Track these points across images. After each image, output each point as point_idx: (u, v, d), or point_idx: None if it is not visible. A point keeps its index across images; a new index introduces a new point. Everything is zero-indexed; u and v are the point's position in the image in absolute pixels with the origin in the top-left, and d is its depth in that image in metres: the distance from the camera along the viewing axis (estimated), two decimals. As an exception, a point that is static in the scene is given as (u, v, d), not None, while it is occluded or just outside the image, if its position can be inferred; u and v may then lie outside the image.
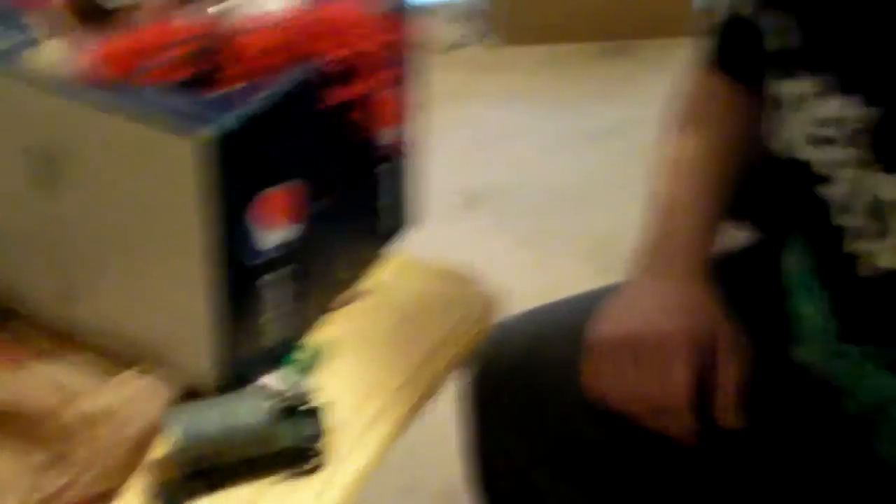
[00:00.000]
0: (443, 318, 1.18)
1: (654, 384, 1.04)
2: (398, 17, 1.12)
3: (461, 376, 1.25)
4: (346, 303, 1.20)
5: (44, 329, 1.15)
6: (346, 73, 1.05)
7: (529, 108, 3.27)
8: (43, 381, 1.08)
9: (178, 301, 1.03)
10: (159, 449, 1.03)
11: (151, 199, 1.00)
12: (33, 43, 1.05)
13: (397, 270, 1.27)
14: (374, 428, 1.08)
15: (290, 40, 1.04)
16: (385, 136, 1.15)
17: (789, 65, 1.02)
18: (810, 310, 1.09)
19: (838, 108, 0.95)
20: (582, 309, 1.14)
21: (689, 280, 1.10)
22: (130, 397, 1.04)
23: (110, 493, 1.00)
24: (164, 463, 1.02)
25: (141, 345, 1.09)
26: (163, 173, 0.97)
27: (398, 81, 1.14)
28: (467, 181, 2.90)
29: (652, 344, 1.05)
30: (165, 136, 0.95)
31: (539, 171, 2.97)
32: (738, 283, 1.18)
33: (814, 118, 0.98)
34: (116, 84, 1.01)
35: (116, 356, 1.11)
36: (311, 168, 1.08)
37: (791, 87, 1.01)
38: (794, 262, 1.13)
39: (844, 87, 0.95)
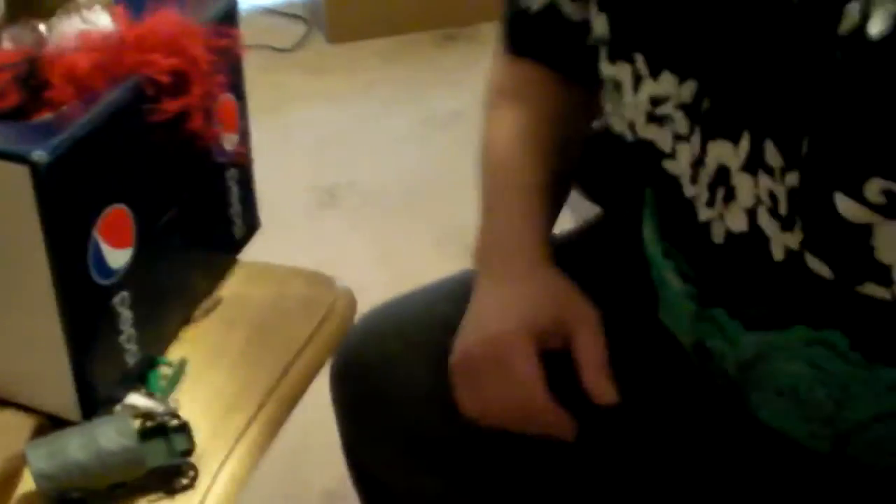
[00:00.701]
0: (303, 320, 1.18)
1: (506, 392, 1.04)
2: (228, 22, 1.11)
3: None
4: (206, 313, 1.19)
5: None
6: (178, 83, 1.04)
7: (373, 102, 3.27)
8: None
9: (32, 328, 1.01)
10: (27, 483, 1.00)
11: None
12: None
13: (254, 276, 1.26)
14: (244, 438, 1.07)
15: (119, 54, 1.03)
16: (226, 142, 1.14)
17: (607, 49, 1.04)
18: (672, 277, 1.11)
19: (665, 86, 0.97)
20: (431, 299, 1.15)
21: (529, 272, 1.09)
22: (-11, 435, 1.01)
23: (-21, 534, 0.98)
24: (33, 497, 0.99)
25: (-1, 376, 1.06)
26: None
27: (234, 87, 1.12)
28: (318, 180, 2.89)
29: (490, 353, 1.05)
30: None
31: (389, 165, 2.98)
32: (601, 256, 1.19)
33: (647, 97, 1.00)
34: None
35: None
36: (154, 182, 1.07)
37: (616, 70, 1.03)
38: (650, 233, 1.15)
39: (662, 66, 0.97)
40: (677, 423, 1.14)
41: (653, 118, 0.98)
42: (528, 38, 1.20)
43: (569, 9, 1.13)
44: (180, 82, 1.04)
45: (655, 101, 0.98)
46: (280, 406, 1.09)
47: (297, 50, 3.56)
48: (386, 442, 1.21)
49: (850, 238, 0.84)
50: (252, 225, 1.25)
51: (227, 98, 1.11)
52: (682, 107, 0.95)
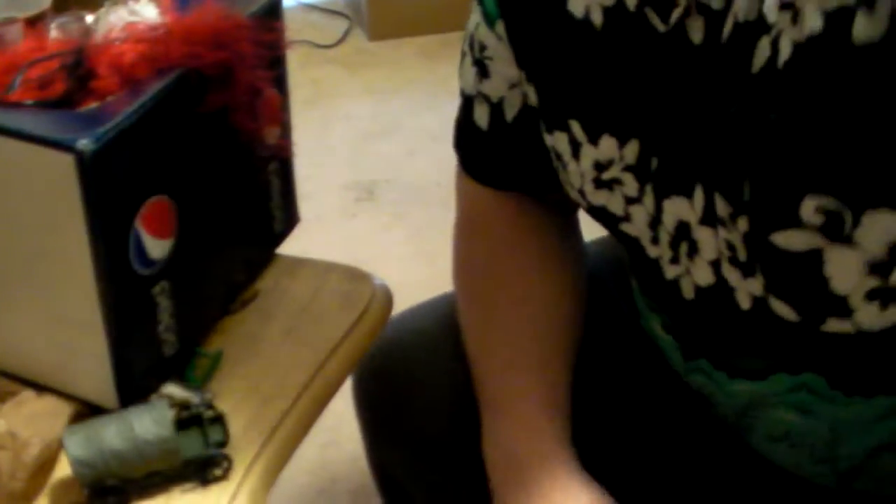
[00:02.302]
0: (339, 316, 1.18)
1: None
2: (272, 16, 1.11)
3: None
4: (243, 306, 1.19)
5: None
6: (224, 76, 1.04)
7: (413, 99, 3.27)
8: (-63, 408, 1.06)
9: (73, 316, 1.01)
10: (64, 468, 1.01)
11: (35, 214, 0.98)
12: None
13: (292, 270, 1.26)
14: (278, 431, 1.07)
15: (166, 46, 1.03)
16: (269, 136, 1.14)
17: (542, 120, 1.03)
18: (658, 330, 1.11)
19: (607, 150, 0.97)
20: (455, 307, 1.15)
21: (557, 489, 1.06)
22: (30, 417, 1.02)
23: (15, 517, 0.98)
24: (69, 483, 1.00)
25: (38, 364, 1.07)
26: (44, 188, 0.96)
27: (277, 81, 1.13)
28: (357, 176, 2.90)
29: None
30: (45, 151, 0.94)
31: (427, 162, 2.98)
32: (603, 300, 1.19)
33: (590, 164, 0.99)
34: (-9, 101, 0.99)
35: (13, 376, 1.09)
36: (197, 174, 1.07)
37: (555, 140, 1.02)
38: (635, 286, 1.15)
39: (600, 130, 0.97)
40: (688, 461, 1.15)
41: (600, 183, 0.98)
42: (490, 165, 1.16)
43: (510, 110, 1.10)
44: (225, 75, 1.04)
45: (600, 167, 0.97)
46: (314, 402, 1.09)
47: (339, 46, 3.57)
48: (406, 447, 1.22)
49: (804, 272, 0.85)
50: (292, 219, 1.26)
51: (271, 92, 1.11)
52: (629, 168, 0.94)
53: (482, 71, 1.09)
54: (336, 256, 1.29)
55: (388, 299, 1.20)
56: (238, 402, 1.07)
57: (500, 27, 1.03)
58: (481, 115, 1.11)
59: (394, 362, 1.22)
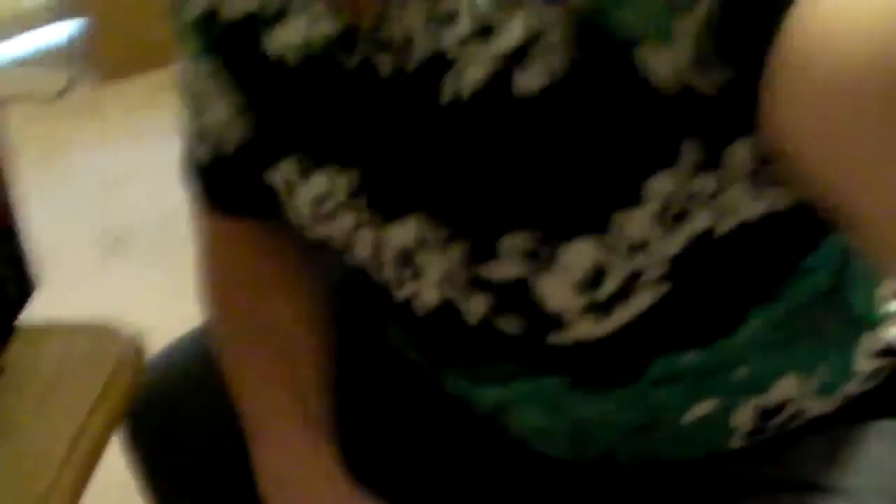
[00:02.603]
0: (92, 377, 1.14)
1: None
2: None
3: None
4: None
5: None
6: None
7: (146, 139, 3.22)
8: None
9: None
10: None
11: None
12: None
13: (37, 338, 1.22)
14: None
15: None
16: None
17: (262, 156, 1.05)
18: (402, 341, 1.13)
19: (323, 183, 0.99)
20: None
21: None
22: None
23: None
24: None
25: None
26: None
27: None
28: (104, 226, 2.84)
29: None
30: None
31: (173, 203, 2.93)
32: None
33: (308, 198, 1.01)
34: None
35: None
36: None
37: (275, 175, 1.04)
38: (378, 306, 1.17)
39: (317, 161, 0.99)
40: (455, 455, 1.17)
41: (320, 217, 1.00)
42: (219, 194, 1.17)
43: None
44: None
45: (317, 201, 1.00)
46: (79, 473, 1.05)
47: (64, 97, 3.48)
48: (188, 491, 1.21)
49: (518, 296, 0.91)
50: (28, 286, 1.21)
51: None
52: (345, 200, 0.97)
53: (199, 104, 1.08)
54: (91, 310, 1.25)
55: (138, 350, 1.17)
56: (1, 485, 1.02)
57: (212, 59, 1.03)
58: (204, 151, 1.10)
59: (161, 409, 1.20)
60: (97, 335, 1.20)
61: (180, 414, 1.22)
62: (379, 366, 1.20)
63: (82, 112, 3.39)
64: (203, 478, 1.22)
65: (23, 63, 3.59)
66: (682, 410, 1.00)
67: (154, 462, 1.26)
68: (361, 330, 1.22)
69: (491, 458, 1.16)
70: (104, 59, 3.55)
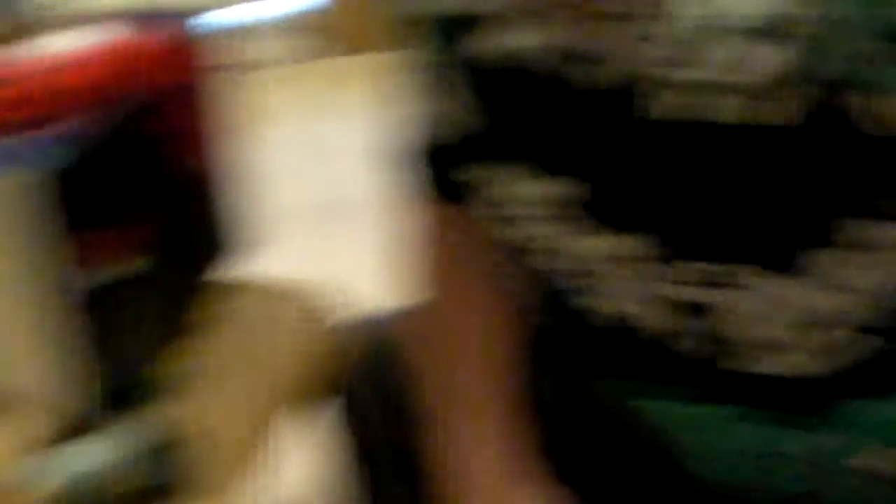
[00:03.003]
0: (295, 335, 1.19)
1: None
2: (198, 45, 1.12)
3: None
4: (201, 330, 1.20)
5: None
6: (156, 106, 1.05)
7: (368, 117, 3.25)
8: None
9: (26, 345, 1.02)
10: (25, 497, 1.03)
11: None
12: None
13: (245, 292, 1.25)
14: (239, 452, 1.07)
15: (95, 77, 1.03)
16: (206, 163, 1.15)
17: (484, 151, 1.06)
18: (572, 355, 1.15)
19: (537, 187, 1.00)
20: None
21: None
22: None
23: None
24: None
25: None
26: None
27: (211, 107, 1.13)
28: (312, 196, 2.88)
29: None
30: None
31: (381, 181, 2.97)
32: None
33: (520, 198, 1.02)
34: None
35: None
36: (139, 203, 1.07)
37: (490, 173, 1.05)
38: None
39: (535, 166, 1.00)
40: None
41: (529, 218, 1.01)
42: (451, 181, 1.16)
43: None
44: (158, 106, 1.05)
45: (531, 202, 1.00)
46: (274, 419, 1.09)
47: (304, 64, 3.54)
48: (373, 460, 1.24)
49: (702, 320, 0.90)
50: (244, 243, 1.26)
51: (198, 120, 1.12)
52: (560, 205, 0.98)
53: (429, 95, 1.11)
54: (298, 276, 1.29)
55: (350, 318, 1.20)
56: (200, 429, 1.07)
57: (448, 52, 1.06)
58: (439, 134, 1.13)
59: (361, 369, 1.24)
60: (305, 296, 1.23)
61: (371, 389, 1.25)
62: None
63: (322, 81, 3.45)
64: (386, 445, 1.26)
65: (272, 28, 3.68)
66: (852, 455, 0.99)
67: (354, 427, 1.30)
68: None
69: (656, 479, 1.17)
70: (350, 32, 3.60)
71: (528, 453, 1.08)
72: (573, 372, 1.13)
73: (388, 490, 1.24)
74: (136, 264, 1.05)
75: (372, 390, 1.22)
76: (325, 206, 2.80)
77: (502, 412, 1.08)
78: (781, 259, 0.85)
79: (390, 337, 1.24)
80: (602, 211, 0.95)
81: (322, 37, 3.51)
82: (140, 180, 1.06)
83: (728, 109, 0.82)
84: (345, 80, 3.36)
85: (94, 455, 1.00)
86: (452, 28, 0.99)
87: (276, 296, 1.24)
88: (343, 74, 3.38)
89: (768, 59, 0.81)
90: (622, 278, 0.94)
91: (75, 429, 1.05)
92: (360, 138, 3.15)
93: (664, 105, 0.84)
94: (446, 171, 1.12)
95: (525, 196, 1.00)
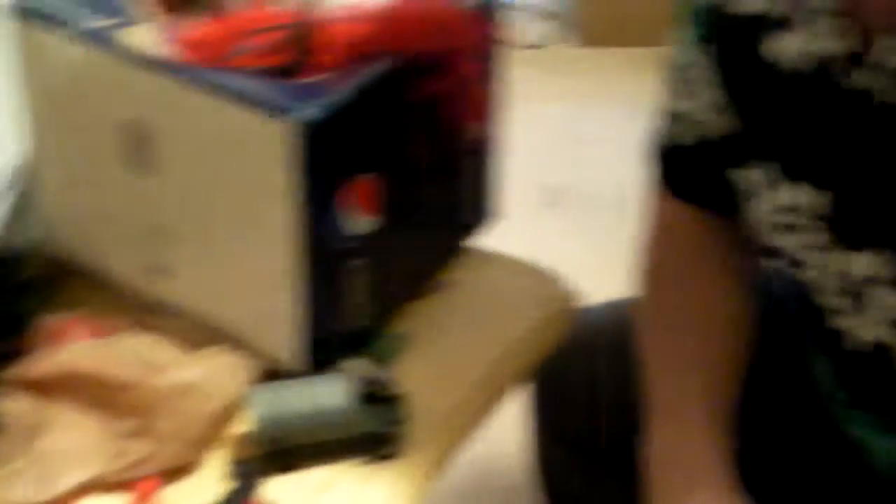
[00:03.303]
0: (526, 314, 1.18)
1: None
2: (488, 12, 1.13)
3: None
4: (433, 292, 1.20)
5: (131, 301, 1.17)
6: (435, 66, 1.06)
7: (609, 109, 3.26)
8: (129, 353, 1.10)
9: (265, 282, 1.05)
10: (238, 426, 1.04)
11: (240, 180, 1.01)
12: (126, 24, 1.06)
13: (479, 264, 1.27)
14: (451, 420, 1.08)
15: (382, 32, 1.05)
16: (471, 130, 1.16)
17: (736, 153, 1.02)
18: (823, 377, 1.10)
19: (792, 196, 0.96)
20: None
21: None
22: (214, 373, 1.05)
23: (189, 465, 1.02)
24: (242, 440, 1.03)
25: (225, 322, 1.10)
26: (253, 155, 0.99)
27: (486, 76, 1.15)
28: (546, 179, 2.89)
29: None
30: (258, 119, 0.96)
31: (617, 175, 2.96)
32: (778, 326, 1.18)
33: (772, 206, 0.98)
34: (209, 66, 1.02)
35: (201, 332, 1.12)
36: (397, 158, 1.09)
37: (743, 176, 1.01)
38: (805, 331, 1.14)
39: (791, 174, 0.96)
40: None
41: (779, 227, 0.97)
42: (688, 180, 1.16)
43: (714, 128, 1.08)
44: (440, 65, 1.06)
45: (782, 210, 0.96)
46: (490, 396, 1.09)
47: (546, 48, 3.56)
48: (568, 440, 1.27)
49: None
50: (487, 213, 1.27)
51: (481, 87, 1.13)
52: (816, 218, 0.93)
53: (686, 89, 1.09)
54: (516, 255, 1.29)
55: (575, 304, 1.20)
56: (418, 386, 1.08)
57: (708, 50, 1.03)
58: (681, 133, 1.11)
59: (564, 357, 1.23)
60: (538, 276, 1.24)
61: (582, 369, 1.25)
62: (785, 389, 1.18)
63: (557, 67, 3.46)
64: (591, 440, 1.24)
65: (513, 8, 3.70)
66: None
67: (543, 404, 1.30)
68: (778, 350, 1.20)
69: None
70: (588, 23, 3.61)
71: (725, 461, 1.05)
72: (802, 392, 1.09)
73: (601, 484, 1.23)
74: (387, 219, 1.08)
75: (582, 379, 1.21)
76: (559, 190, 2.80)
77: (708, 417, 1.05)
78: None
79: (607, 326, 1.23)
80: (852, 225, 0.90)
81: (567, 25, 3.51)
82: (412, 137, 1.09)
83: None
84: (585, 69, 3.36)
85: (300, 399, 1.00)
86: (729, 25, 0.96)
87: (514, 271, 1.26)
88: (584, 63, 3.38)
89: None
90: (882, 303, 0.89)
91: (289, 373, 1.08)
92: (601, 127, 3.15)
93: None
94: (682, 169, 1.10)
95: (771, 203, 0.96)
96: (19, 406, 1.06)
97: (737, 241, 1.13)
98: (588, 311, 1.28)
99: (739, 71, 1.01)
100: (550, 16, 3.67)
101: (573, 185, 2.87)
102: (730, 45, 1.01)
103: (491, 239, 1.30)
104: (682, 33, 1.08)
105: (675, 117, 1.12)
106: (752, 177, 1.02)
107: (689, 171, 1.14)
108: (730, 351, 1.11)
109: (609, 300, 1.31)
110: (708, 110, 1.07)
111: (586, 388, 1.24)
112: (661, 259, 1.18)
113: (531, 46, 3.48)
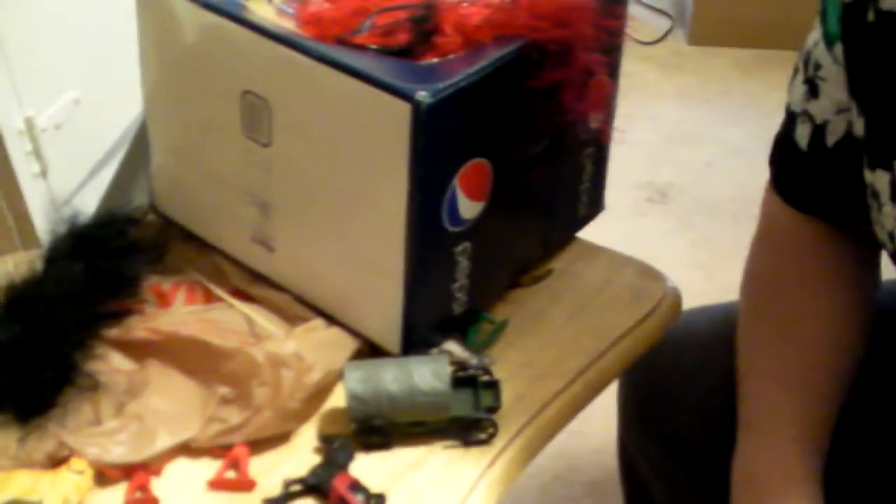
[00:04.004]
0: (628, 309, 1.18)
1: None
2: (616, 3, 1.11)
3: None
4: (535, 281, 1.21)
5: (240, 268, 1.18)
6: (562, 54, 1.05)
7: (717, 109, 3.23)
8: (234, 319, 1.11)
9: (375, 258, 1.04)
10: (337, 399, 1.05)
11: (355, 157, 1.02)
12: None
13: (587, 255, 1.27)
14: (547, 409, 1.08)
15: (511, 16, 1.05)
16: (593, 120, 1.14)
17: (866, 155, 0.99)
18: None
19: None
20: (732, 319, 1.13)
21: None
22: (317, 345, 1.06)
23: (285, 435, 1.02)
24: (339, 414, 1.04)
25: (325, 298, 1.11)
26: (370, 133, 0.99)
27: (608, 68, 1.13)
28: (651, 176, 2.88)
29: None
30: (378, 97, 0.96)
31: (723, 174, 2.94)
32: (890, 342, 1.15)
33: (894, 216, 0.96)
34: (337, 41, 1.02)
35: (301, 306, 1.13)
36: (511, 145, 1.08)
37: (874, 178, 0.98)
38: None
39: None
40: None
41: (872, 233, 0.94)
42: (799, 186, 1.13)
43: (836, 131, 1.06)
44: (563, 53, 1.05)
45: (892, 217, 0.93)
46: (587, 388, 1.09)
47: (656, 45, 3.55)
48: (657, 440, 1.25)
49: None
50: (597, 205, 1.26)
51: (603, 77, 1.11)
52: None
53: (812, 90, 1.07)
54: (619, 250, 1.28)
55: (677, 303, 1.19)
56: (513, 373, 1.08)
57: (839, 50, 1.01)
58: (802, 135, 1.09)
59: (663, 356, 1.22)
60: (644, 272, 1.23)
61: (676, 371, 1.24)
62: (891, 408, 1.16)
63: (667, 64, 3.45)
64: (671, 436, 1.23)
65: (631, 2, 3.68)
66: None
67: (633, 403, 1.29)
68: (887, 368, 1.17)
69: None
70: (697, 22, 3.58)
71: (811, 481, 1.04)
72: None
73: (685, 491, 1.22)
74: (495, 204, 1.08)
75: (674, 382, 1.20)
76: (662, 188, 2.79)
77: (799, 435, 1.03)
78: None
79: (704, 330, 1.21)
80: None
81: (677, 22, 3.49)
82: (531, 125, 1.09)
83: None
84: (693, 67, 3.35)
85: (395, 379, 1.02)
86: (877, 22, 0.93)
87: (618, 265, 1.26)
88: (692, 62, 3.36)
89: None
90: None
91: (386, 352, 1.09)
92: (706, 127, 3.13)
93: None
94: (795, 175, 1.07)
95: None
96: (119, 366, 1.07)
97: (853, 252, 1.11)
98: (686, 313, 1.26)
99: (875, 71, 0.99)
100: (660, 13, 3.64)
101: (676, 184, 2.85)
102: (868, 43, 0.98)
103: (593, 232, 1.29)
104: (815, 30, 1.06)
105: (796, 118, 1.10)
106: (881, 181, 1.00)
107: (803, 178, 1.11)
108: (834, 368, 1.09)
109: (707, 305, 1.30)
110: (831, 112, 1.05)
111: (677, 391, 1.22)
112: (768, 266, 1.16)
113: (641, 42, 3.46)
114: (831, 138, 1.06)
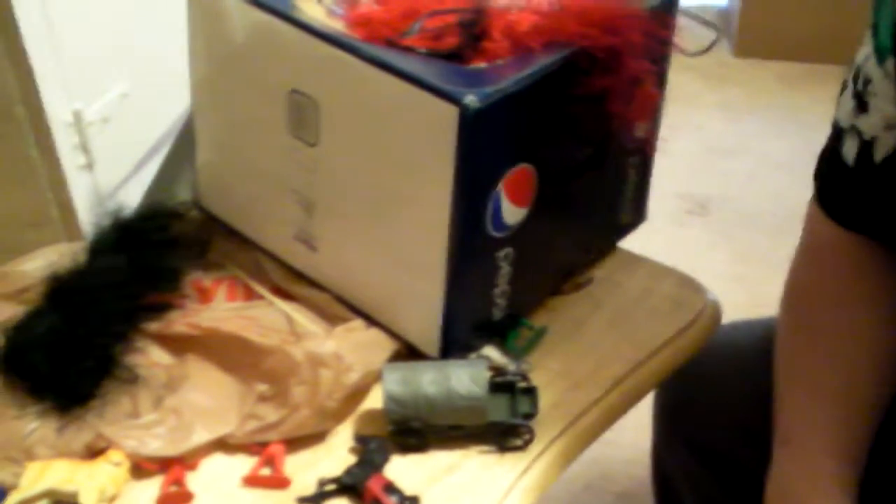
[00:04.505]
0: (668, 320, 1.17)
1: None
2: (667, 13, 1.11)
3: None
4: (576, 289, 1.20)
5: (282, 265, 1.18)
6: (610, 62, 1.05)
7: (760, 122, 3.21)
8: (275, 317, 1.12)
9: (417, 260, 1.04)
10: (374, 401, 1.05)
11: (405, 157, 1.02)
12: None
13: (628, 264, 1.27)
14: (583, 417, 1.07)
15: (560, 22, 1.04)
16: (639, 129, 1.14)
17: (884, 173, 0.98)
18: None
19: None
20: (770, 334, 1.13)
21: None
22: (356, 345, 1.06)
23: (321, 434, 1.03)
24: (376, 414, 1.04)
25: (374, 299, 1.11)
26: (417, 136, 0.99)
27: (655, 77, 1.13)
28: (692, 188, 2.87)
29: None
30: (427, 100, 0.96)
31: (764, 187, 2.92)
32: None
33: None
34: (386, 43, 1.02)
35: (347, 302, 1.13)
36: (556, 151, 1.08)
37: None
38: None
39: None
40: None
41: None
42: (844, 202, 1.11)
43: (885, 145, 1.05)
44: (612, 61, 1.05)
45: None
46: (625, 397, 1.09)
47: (702, 56, 3.52)
48: (691, 452, 1.24)
49: None
50: (640, 215, 1.26)
51: (651, 87, 1.10)
52: None
53: (861, 105, 1.06)
54: (658, 261, 1.28)
55: (717, 315, 1.19)
56: (551, 380, 1.08)
57: (890, 64, 1.00)
58: (849, 150, 1.08)
59: (702, 368, 1.21)
60: (684, 283, 1.22)
61: (714, 384, 1.23)
62: None
63: (712, 76, 3.44)
64: (706, 448, 1.23)
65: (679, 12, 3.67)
66: None
67: (669, 414, 1.28)
68: None
69: None
70: (743, 34, 3.56)
71: (845, 496, 1.03)
72: None
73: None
74: (538, 211, 1.08)
75: (710, 396, 1.19)
76: (703, 200, 2.78)
77: (835, 450, 1.02)
78: None
79: (742, 343, 1.21)
80: None
81: (722, 34, 3.48)
82: (577, 132, 1.09)
83: None
84: (738, 79, 3.34)
85: (433, 382, 1.01)
86: None
87: (659, 276, 1.25)
88: (737, 74, 3.35)
89: None
90: None
91: (425, 355, 1.09)
92: (749, 140, 3.11)
93: None
94: (839, 191, 1.07)
95: None
96: (158, 360, 1.08)
97: (894, 268, 1.10)
98: (726, 326, 1.26)
99: None
100: (706, 23, 3.62)
101: (717, 196, 2.84)
102: None
103: (634, 242, 1.28)
104: (866, 44, 1.05)
105: (844, 134, 1.09)
106: None
107: (849, 194, 1.10)
108: (872, 385, 1.08)
109: (748, 319, 1.29)
110: (880, 127, 1.04)
111: (713, 402, 1.22)
112: (809, 281, 1.15)
113: (688, 53, 3.44)
114: (879, 154, 1.05)
